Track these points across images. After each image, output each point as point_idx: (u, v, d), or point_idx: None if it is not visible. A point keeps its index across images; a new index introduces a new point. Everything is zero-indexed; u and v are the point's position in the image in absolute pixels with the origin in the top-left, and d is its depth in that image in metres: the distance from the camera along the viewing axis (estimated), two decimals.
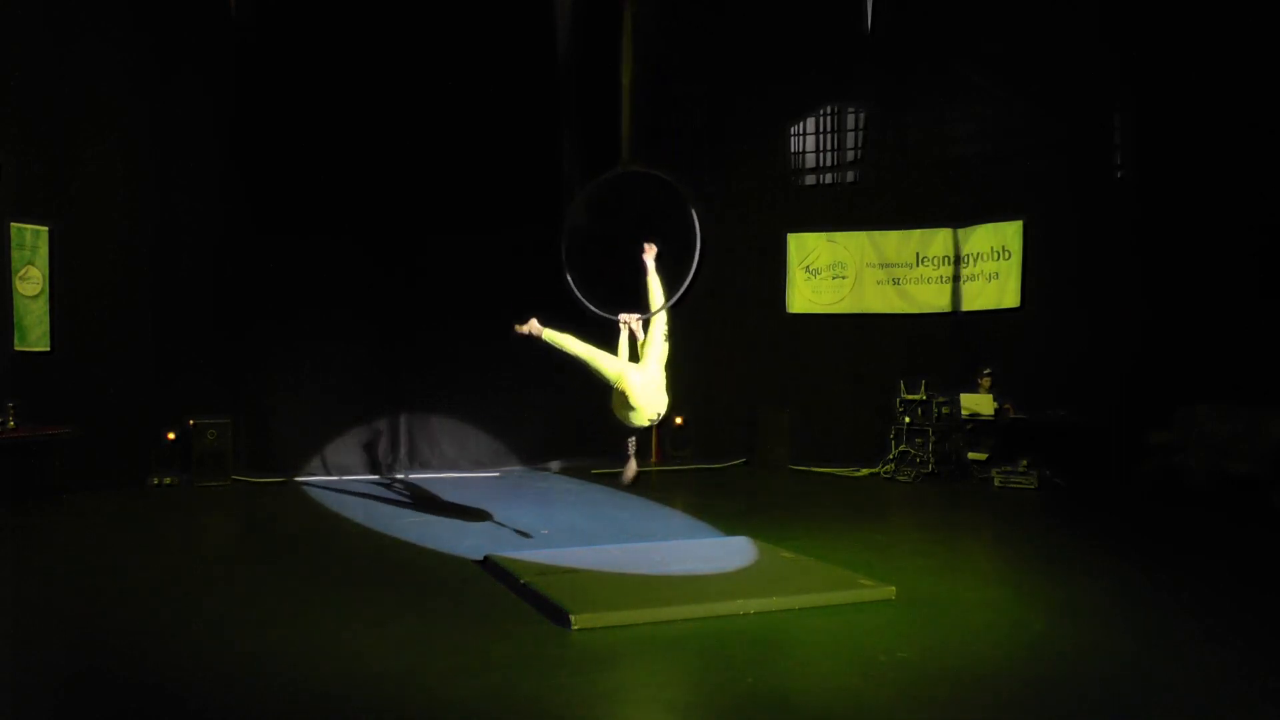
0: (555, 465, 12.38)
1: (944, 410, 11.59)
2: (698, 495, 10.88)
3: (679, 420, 12.71)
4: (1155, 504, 9.91)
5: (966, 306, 12.20)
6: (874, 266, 12.65)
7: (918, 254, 12.44)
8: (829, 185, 13.04)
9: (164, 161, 11.09)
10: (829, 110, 12.94)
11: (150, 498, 10.24)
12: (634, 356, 7.26)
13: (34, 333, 9.98)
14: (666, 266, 7.22)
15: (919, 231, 12.43)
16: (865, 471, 12.03)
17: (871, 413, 12.08)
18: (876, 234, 12.62)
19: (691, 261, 6.92)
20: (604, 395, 12.56)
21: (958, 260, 12.16)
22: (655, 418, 7.08)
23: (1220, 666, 5.11)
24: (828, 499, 10.49)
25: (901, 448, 11.71)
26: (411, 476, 11.60)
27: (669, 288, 7.27)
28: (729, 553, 7.35)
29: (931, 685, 4.77)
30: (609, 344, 7.31)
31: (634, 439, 7.05)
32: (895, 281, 12.54)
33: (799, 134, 13.06)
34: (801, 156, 13.08)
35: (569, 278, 6.84)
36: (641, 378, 7.08)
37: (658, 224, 7.43)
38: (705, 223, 7.33)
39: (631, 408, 7.01)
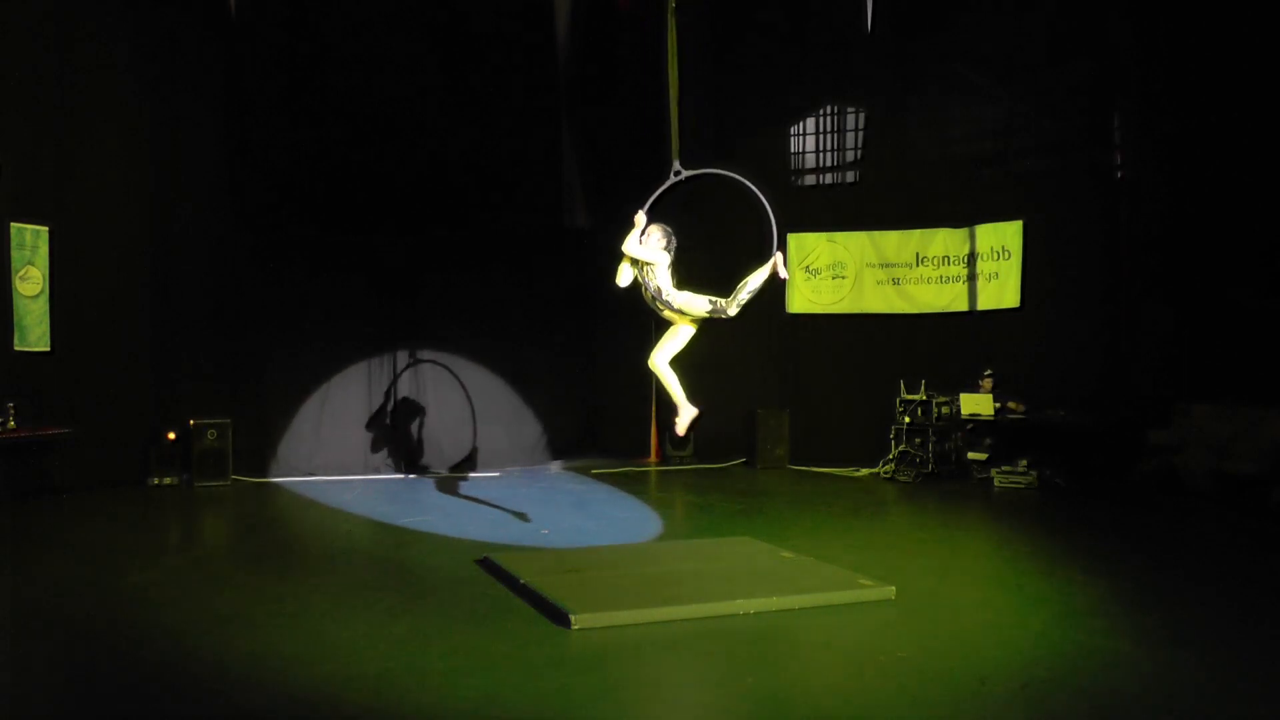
0: (555, 465, 12.40)
1: (944, 410, 11.59)
2: (698, 495, 10.88)
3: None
4: (1155, 504, 9.91)
5: (966, 306, 12.19)
6: (874, 266, 12.64)
7: (917, 254, 12.43)
8: (829, 185, 13.03)
9: (164, 160, 11.09)
10: (829, 110, 12.93)
11: (150, 498, 10.24)
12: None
13: (34, 333, 9.98)
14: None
15: (919, 231, 12.41)
16: (865, 471, 12.03)
17: (871, 413, 12.07)
18: (876, 234, 12.61)
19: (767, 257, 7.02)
20: (602, 396, 12.74)
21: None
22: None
23: (1220, 666, 5.11)
24: (827, 499, 10.48)
25: (901, 448, 11.70)
26: (411, 476, 11.61)
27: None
28: (729, 553, 7.35)
29: (931, 685, 4.77)
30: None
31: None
32: (895, 281, 12.53)
33: (799, 134, 13.04)
34: (801, 156, 13.05)
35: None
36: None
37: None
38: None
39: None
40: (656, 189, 7.29)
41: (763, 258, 7.05)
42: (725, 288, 7.02)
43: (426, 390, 11.97)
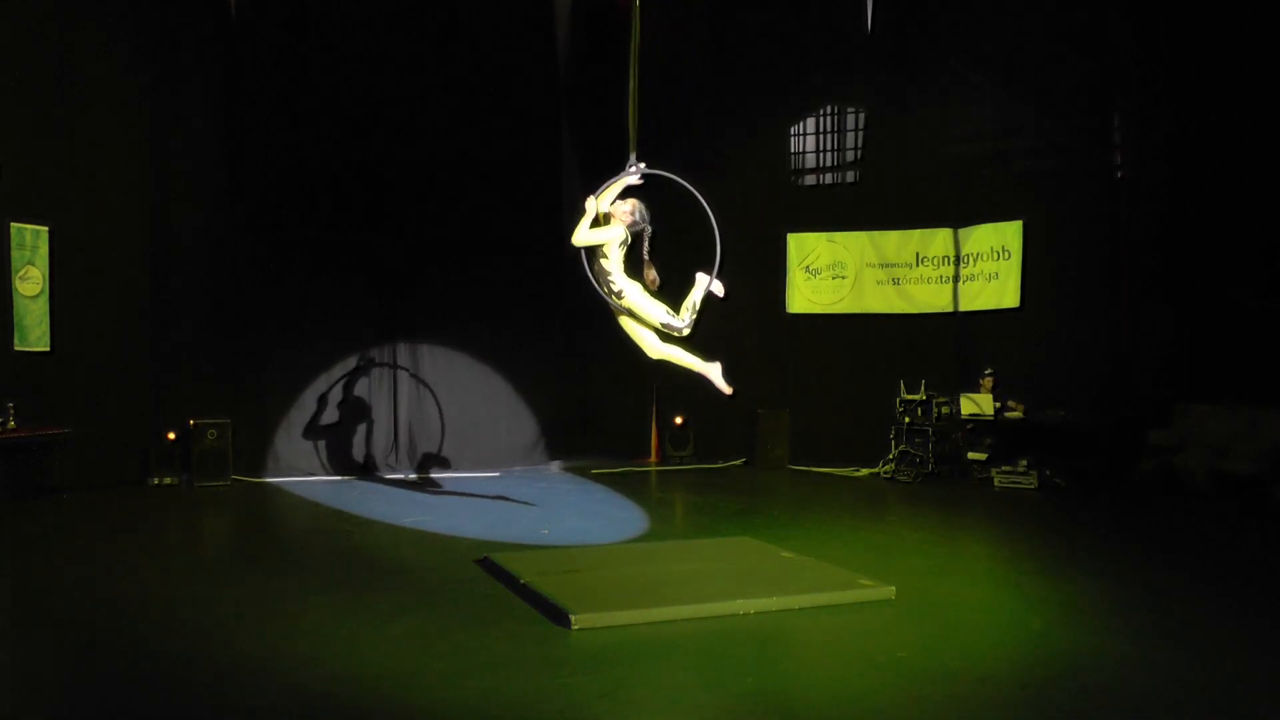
0: (555, 465, 12.39)
1: (944, 410, 11.59)
2: (698, 495, 10.88)
3: (679, 420, 12.72)
4: (1155, 504, 9.92)
5: (966, 307, 12.18)
6: (874, 266, 12.64)
7: (918, 254, 12.43)
8: (829, 185, 13.03)
9: (164, 160, 11.09)
10: (829, 110, 12.93)
11: (150, 498, 10.24)
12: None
13: (34, 333, 9.98)
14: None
15: (919, 231, 12.42)
16: (865, 471, 12.03)
17: (871, 413, 12.07)
18: (876, 234, 12.61)
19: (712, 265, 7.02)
20: (602, 396, 12.75)
21: (959, 260, 12.16)
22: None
23: (1220, 666, 5.11)
24: (828, 499, 10.49)
25: (901, 448, 11.70)
26: (411, 476, 11.60)
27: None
28: (729, 553, 7.34)
29: (931, 685, 4.77)
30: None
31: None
32: (895, 281, 12.53)
33: (799, 134, 13.04)
34: (801, 156, 13.06)
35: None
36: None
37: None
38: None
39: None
40: (613, 180, 7.22)
41: (720, 263, 7.07)
42: (688, 285, 7.04)
43: (427, 390, 11.96)
